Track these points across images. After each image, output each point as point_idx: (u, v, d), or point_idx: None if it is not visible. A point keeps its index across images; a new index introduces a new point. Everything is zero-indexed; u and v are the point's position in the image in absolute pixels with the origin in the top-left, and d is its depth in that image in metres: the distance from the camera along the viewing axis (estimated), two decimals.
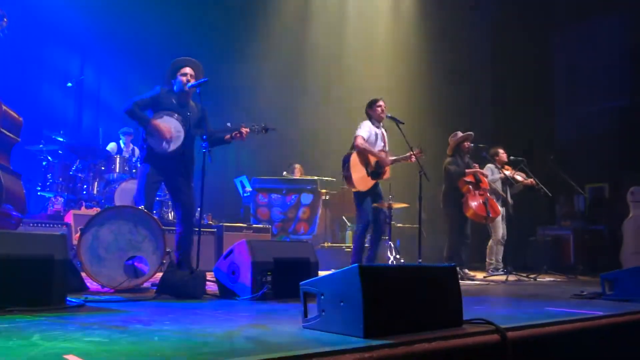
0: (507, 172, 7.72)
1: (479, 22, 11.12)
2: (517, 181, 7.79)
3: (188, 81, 4.84)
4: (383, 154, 6.10)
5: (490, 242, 7.80)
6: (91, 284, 4.15)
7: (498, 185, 7.77)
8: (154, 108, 4.78)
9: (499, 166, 7.73)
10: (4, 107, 4.12)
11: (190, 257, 4.78)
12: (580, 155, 10.46)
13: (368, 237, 6.18)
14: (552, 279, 7.40)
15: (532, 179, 7.75)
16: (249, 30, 10.43)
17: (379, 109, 6.15)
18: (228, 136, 4.92)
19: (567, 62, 11.65)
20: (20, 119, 4.27)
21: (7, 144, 4.16)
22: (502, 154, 7.92)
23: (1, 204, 3.93)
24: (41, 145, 7.35)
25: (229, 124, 4.96)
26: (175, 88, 4.89)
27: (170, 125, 4.74)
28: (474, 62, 11.12)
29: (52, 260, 3.04)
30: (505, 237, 7.83)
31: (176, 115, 4.79)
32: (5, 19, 4.25)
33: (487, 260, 7.83)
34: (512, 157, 7.86)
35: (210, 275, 4.38)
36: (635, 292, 3.92)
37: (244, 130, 4.88)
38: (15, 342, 2.07)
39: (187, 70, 4.87)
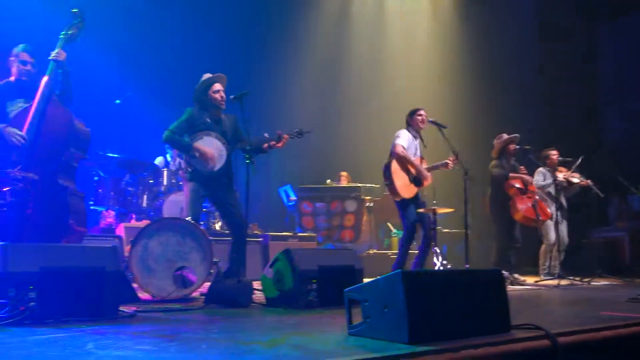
0: (561, 175, 7.47)
1: (521, 19, 10.90)
2: (572, 183, 7.55)
3: (222, 97, 4.89)
4: (420, 162, 6.05)
5: (542, 246, 7.59)
6: (142, 294, 4.26)
7: (551, 190, 7.51)
8: (190, 130, 4.83)
9: (551, 169, 7.51)
10: (77, 124, 4.17)
11: (241, 268, 4.81)
12: (633, 155, 10.09)
13: (415, 244, 6.14)
14: (606, 282, 7.15)
15: (588, 180, 7.51)
16: (289, 39, 10.54)
17: (420, 118, 6.11)
18: (266, 145, 4.96)
19: (614, 58, 11.29)
20: (89, 132, 4.27)
21: (75, 162, 4.23)
22: (554, 155, 7.63)
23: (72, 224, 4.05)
24: (93, 161, 7.63)
25: (266, 134, 5.00)
26: (208, 107, 4.92)
27: (212, 146, 4.81)
28: (518, 62, 10.88)
29: (104, 271, 3.14)
30: (566, 242, 7.56)
31: (214, 133, 4.85)
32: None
33: (540, 264, 7.62)
34: (560, 159, 7.64)
35: (257, 284, 4.43)
36: None
37: (285, 136, 4.92)
38: (71, 351, 2.15)
39: (218, 86, 4.90)
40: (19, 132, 3.93)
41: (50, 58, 4.12)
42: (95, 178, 7.61)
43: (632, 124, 10.83)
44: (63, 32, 4.23)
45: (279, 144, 4.94)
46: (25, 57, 4.23)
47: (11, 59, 4.25)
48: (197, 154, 4.75)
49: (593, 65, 11.50)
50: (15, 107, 4.14)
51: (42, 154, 4.00)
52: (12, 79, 4.24)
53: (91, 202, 7.52)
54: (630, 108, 10.87)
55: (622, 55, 11.06)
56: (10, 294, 2.81)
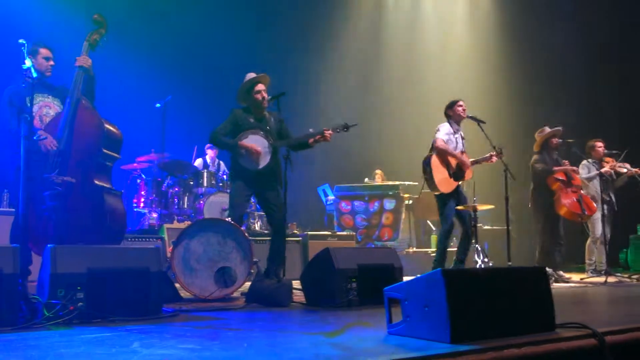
0: (608, 166, 7.25)
1: (563, 9, 10.62)
2: (619, 174, 7.31)
3: (263, 98, 4.93)
4: (463, 155, 5.97)
5: (588, 242, 7.38)
6: (184, 294, 4.34)
7: (596, 183, 7.29)
8: (234, 130, 4.89)
9: (597, 161, 7.30)
10: (107, 126, 4.31)
11: (281, 267, 4.84)
12: None
13: (455, 241, 6.05)
14: None
15: (637, 169, 7.27)
16: (325, 39, 10.57)
17: (460, 108, 6.02)
18: (311, 140, 4.97)
19: None
20: (120, 133, 4.41)
21: (110, 163, 4.37)
22: (599, 147, 7.41)
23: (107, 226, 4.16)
24: (135, 164, 7.82)
25: (311, 130, 5.02)
26: (251, 107, 4.98)
27: (257, 143, 4.86)
28: (558, 54, 10.63)
29: (147, 272, 3.22)
30: (609, 236, 7.33)
31: (260, 132, 4.90)
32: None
33: (586, 260, 7.41)
34: (606, 151, 7.41)
35: (296, 284, 4.45)
36: None
37: (327, 133, 4.91)
38: (117, 350, 2.21)
39: (260, 87, 4.94)
40: (52, 140, 4.08)
41: (76, 65, 4.25)
42: (138, 181, 7.79)
43: None
44: (87, 38, 4.34)
45: (324, 139, 4.93)
46: (47, 52, 4.38)
47: (29, 56, 4.30)
48: (243, 152, 4.80)
49: (635, 55, 11.11)
50: (35, 102, 4.25)
51: (76, 158, 4.14)
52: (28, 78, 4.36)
53: (134, 204, 7.70)
54: None
55: None
56: (60, 294, 2.91)
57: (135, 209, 7.74)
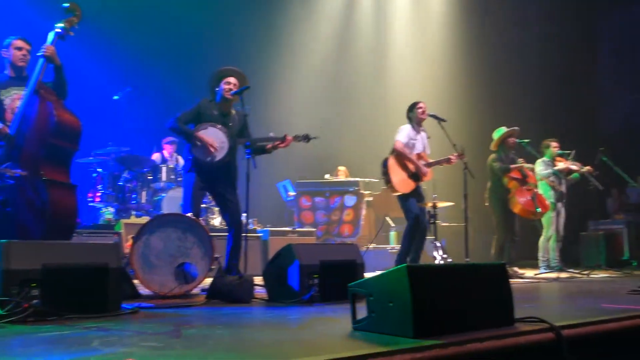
0: (562, 164, 7.47)
1: (520, 10, 10.88)
2: (572, 171, 7.54)
3: (231, 90, 4.90)
4: (421, 159, 6.04)
5: (541, 239, 7.59)
6: (144, 290, 4.26)
7: (553, 180, 7.51)
8: (196, 120, 4.84)
9: (551, 160, 7.51)
10: (64, 116, 4.12)
11: (237, 263, 4.84)
12: (631, 146, 10.12)
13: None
14: (606, 274, 7.18)
15: (588, 167, 7.51)
16: (289, 35, 10.53)
17: (420, 110, 6.11)
18: (270, 145, 4.97)
19: (613, 49, 11.30)
20: (78, 121, 4.23)
21: (64, 154, 4.20)
22: (554, 147, 7.64)
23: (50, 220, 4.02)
24: (91, 158, 7.61)
25: (271, 134, 5.01)
26: (217, 97, 4.95)
27: (214, 137, 4.81)
28: (517, 55, 10.91)
29: (106, 268, 3.14)
30: (562, 233, 7.56)
31: (219, 125, 4.85)
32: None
33: (539, 257, 7.62)
34: (559, 151, 7.64)
35: (258, 280, 4.43)
36: None
37: (288, 138, 4.93)
38: (77, 348, 2.15)
39: (232, 80, 4.91)
40: (3, 128, 3.96)
41: (38, 54, 4.12)
42: (94, 175, 7.60)
43: (630, 117, 10.85)
44: (56, 27, 4.21)
45: (283, 145, 4.95)
46: (20, 43, 4.27)
47: (3, 50, 4.27)
48: (198, 142, 4.74)
49: (592, 58, 11.51)
50: (9, 95, 4.19)
51: (29, 150, 4.00)
52: (6, 72, 4.26)
53: (90, 199, 7.51)
54: (629, 100, 10.88)
55: (624, 46, 11.06)
56: (13, 292, 2.80)
57: (90, 204, 7.55)
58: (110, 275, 3.15)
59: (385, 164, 5.96)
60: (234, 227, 4.91)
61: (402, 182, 5.93)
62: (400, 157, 5.96)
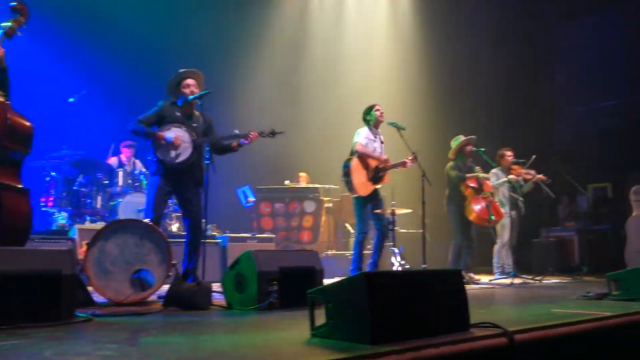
0: (515, 174, 7.64)
1: (478, 24, 11.16)
2: (525, 180, 7.75)
3: (192, 92, 4.86)
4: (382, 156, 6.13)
5: (496, 245, 7.77)
6: (98, 297, 4.16)
7: (504, 189, 7.70)
8: (159, 122, 4.81)
9: (505, 169, 7.70)
10: (13, 118, 3.99)
11: (196, 270, 4.79)
12: (582, 156, 10.48)
13: (371, 244, 6.20)
14: (557, 280, 7.40)
15: (541, 175, 7.72)
16: (247, 41, 10.50)
17: (377, 113, 6.19)
18: (235, 143, 4.95)
19: (564, 62, 11.70)
20: (30, 124, 4.09)
21: (15, 158, 4.06)
22: (508, 156, 7.83)
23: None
24: (44, 161, 7.40)
25: (236, 131, 4.99)
26: (178, 101, 4.91)
27: (178, 136, 4.77)
28: (474, 65, 11.15)
29: (60, 275, 3.06)
30: (516, 240, 7.75)
31: (182, 126, 4.81)
32: (22, 17, 4.11)
33: (494, 263, 7.79)
34: (514, 159, 7.84)
35: (216, 286, 4.39)
36: None
37: (253, 134, 4.91)
38: (28, 359, 2.08)
39: (190, 81, 4.89)
40: None
41: None
42: (47, 178, 7.38)
43: (582, 127, 11.24)
44: (1, 27, 4.08)
45: (247, 141, 4.94)
46: None
47: None
48: (162, 142, 4.68)
49: (545, 67, 11.89)
50: None
51: None
52: None
53: (42, 204, 7.29)
54: (581, 111, 11.28)
55: (575, 59, 11.47)
56: None
57: (43, 209, 7.34)
58: (63, 283, 3.06)
59: (347, 165, 6.00)
60: (193, 231, 4.86)
61: (362, 185, 5.99)
62: (363, 157, 6.02)
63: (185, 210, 4.93)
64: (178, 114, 4.86)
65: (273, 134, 5.03)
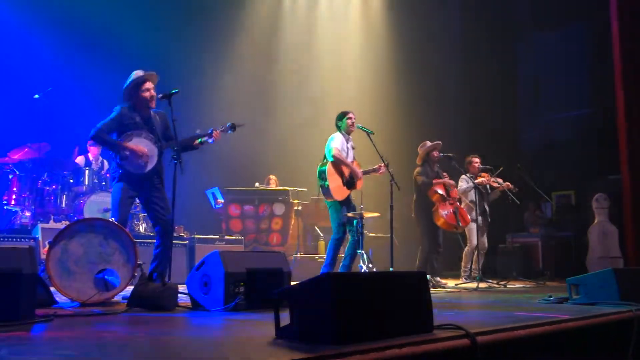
0: (483, 179, 7.76)
1: (446, 33, 11.34)
2: (493, 187, 7.89)
3: (152, 97, 4.76)
4: (355, 166, 6.18)
5: (465, 250, 7.86)
6: (60, 298, 4.08)
7: (472, 195, 7.82)
8: (119, 129, 4.67)
9: (473, 175, 7.81)
10: None
11: (165, 270, 4.71)
12: (547, 164, 10.71)
13: (343, 248, 6.23)
14: (521, 285, 7.54)
15: (508, 183, 7.87)
16: (218, 39, 10.45)
17: (349, 121, 6.23)
18: (197, 142, 4.90)
19: (530, 72, 11.96)
20: None
21: None
22: (475, 163, 7.95)
23: None
24: (7, 159, 7.23)
25: (198, 131, 4.95)
26: (138, 105, 4.77)
27: (143, 146, 4.68)
28: (441, 72, 11.31)
29: (19, 274, 2.99)
30: (486, 247, 7.86)
31: (144, 133, 4.72)
32: None
33: (462, 267, 7.88)
34: (482, 166, 7.96)
35: (182, 288, 4.35)
36: (600, 295, 4.03)
37: (216, 133, 4.88)
38: None
39: (149, 85, 4.76)
40: None
41: None
42: (10, 176, 7.21)
43: (546, 135, 11.49)
44: None
45: (210, 140, 4.90)
46: None
47: None
48: (127, 153, 4.60)
49: (512, 77, 12.12)
50: None
51: None
52: None
53: (4, 202, 7.13)
54: (546, 120, 11.53)
55: (539, 68, 11.73)
56: None
57: (5, 207, 7.17)
58: (23, 281, 3.00)
59: (323, 170, 6.02)
60: (165, 238, 4.77)
61: (337, 189, 6.01)
62: (338, 163, 6.05)
63: (155, 215, 4.82)
64: (137, 119, 4.75)
65: (234, 127, 4.98)
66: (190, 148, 4.92)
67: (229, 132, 4.98)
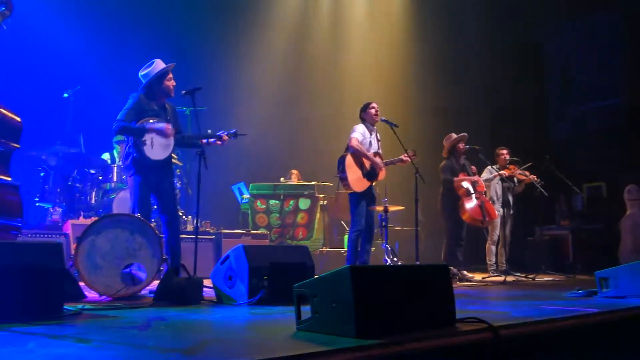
0: (504, 171, 7.66)
1: (472, 23, 11.16)
2: (520, 180, 7.78)
3: (174, 86, 4.87)
4: (377, 157, 6.14)
5: (487, 243, 7.79)
6: (89, 292, 4.16)
7: (496, 187, 7.73)
8: (138, 117, 4.73)
9: (500, 167, 7.71)
10: (2, 111, 4.02)
11: (180, 261, 4.75)
12: (577, 155, 10.49)
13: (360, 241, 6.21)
14: (550, 278, 7.42)
15: (534, 175, 7.76)
16: (245, 33, 10.49)
17: (373, 110, 6.20)
18: (204, 141, 4.95)
19: (561, 61, 11.71)
20: (19, 119, 4.07)
21: (4, 153, 4.08)
22: (503, 155, 7.86)
23: None
24: (38, 156, 7.39)
25: (209, 131, 5.04)
26: (156, 94, 4.85)
27: (166, 125, 4.76)
28: (468, 63, 11.16)
29: (48, 268, 3.06)
30: (509, 238, 7.77)
31: (163, 121, 4.79)
32: (7, 10, 4.08)
33: (487, 261, 7.81)
34: (509, 158, 7.85)
35: (208, 282, 4.40)
36: (630, 289, 3.94)
37: (225, 136, 4.97)
38: (11, 349, 2.09)
39: (171, 75, 4.89)
40: None
41: None
42: (42, 174, 7.36)
43: (576, 126, 11.25)
44: None
45: (219, 142, 5.00)
46: None
47: None
48: (152, 136, 4.65)
49: (541, 67, 11.89)
50: None
51: None
52: None
53: (37, 199, 7.29)
54: (575, 110, 11.29)
55: (569, 58, 11.48)
56: None
57: (37, 204, 7.33)
58: (52, 276, 3.06)
59: (342, 161, 6.00)
60: (173, 225, 4.84)
61: (357, 181, 5.98)
62: (358, 154, 6.02)
63: (164, 205, 4.88)
64: (155, 107, 4.84)
65: (235, 135, 5.10)
66: (194, 145, 4.98)
67: (231, 138, 5.08)
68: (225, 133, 5.01)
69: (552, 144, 11.28)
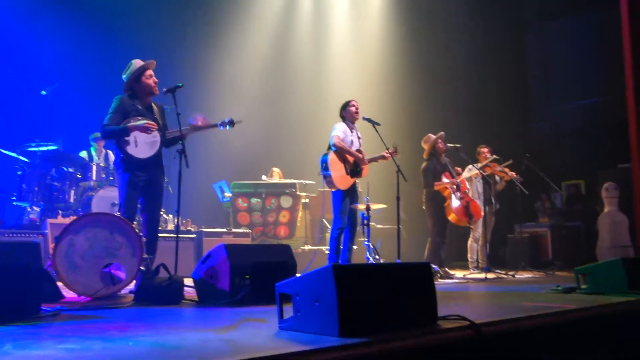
0: (488, 170, 7.71)
1: (453, 21, 11.22)
2: (501, 178, 7.85)
3: (155, 82, 4.78)
4: (359, 153, 6.14)
5: (469, 241, 7.84)
6: (67, 292, 4.10)
7: (477, 185, 7.78)
8: (122, 118, 4.66)
9: (482, 165, 7.76)
10: None
11: (155, 253, 4.70)
12: (556, 153, 10.62)
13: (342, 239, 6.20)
14: (530, 275, 7.49)
15: (513, 173, 7.83)
16: (226, 31, 10.44)
17: (353, 108, 6.20)
18: (184, 132, 4.84)
19: (542, 61, 11.84)
20: None
21: None
22: (483, 153, 7.93)
23: None
24: (16, 155, 7.26)
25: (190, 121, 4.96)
26: (138, 93, 4.78)
27: (147, 121, 4.69)
28: (448, 62, 11.21)
29: (25, 268, 3.00)
30: (489, 236, 7.83)
31: (147, 119, 4.72)
32: None
33: (468, 258, 7.86)
34: (488, 156, 7.91)
35: (189, 281, 4.36)
36: (608, 285, 4.00)
37: (202, 120, 4.87)
38: None
39: (151, 72, 4.80)
40: None
41: None
42: (19, 172, 7.23)
43: (556, 125, 11.39)
44: None
45: (198, 126, 4.86)
46: None
47: None
48: (135, 135, 4.58)
49: (522, 67, 12.01)
50: None
51: None
52: None
53: (14, 198, 7.16)
54: (555, 110, 11.42)
55: (549, 58, 11.61)
56: None
57: (14, 203, 7.20)
58: (29, 276, 3.01)
59: (325, 159, 5.99)
60: (153, 225, 4.78)
61: (341, 178, 5.97)
62: (341, 151, 6.01)
63: (149, 205, 4.80)
64: (139, 107, 4.76)
65: (232, 123, 4.95)
66: (178, 139, 4.87)
67: (228, 127, 4.94)
68: (220, 123, 4.92)
69: (532, 142, 11.40)
